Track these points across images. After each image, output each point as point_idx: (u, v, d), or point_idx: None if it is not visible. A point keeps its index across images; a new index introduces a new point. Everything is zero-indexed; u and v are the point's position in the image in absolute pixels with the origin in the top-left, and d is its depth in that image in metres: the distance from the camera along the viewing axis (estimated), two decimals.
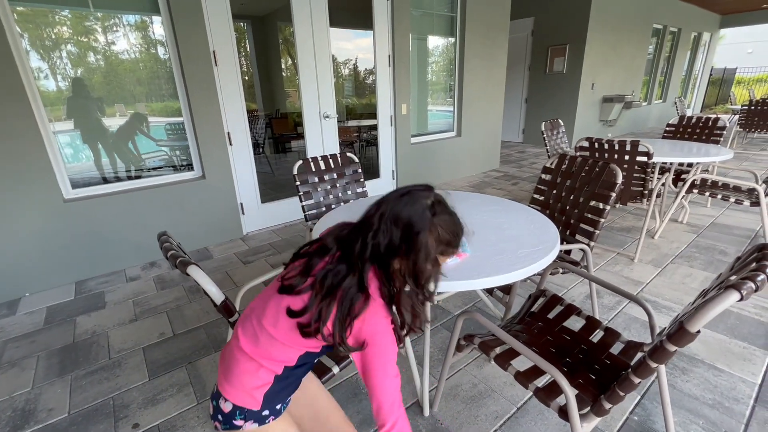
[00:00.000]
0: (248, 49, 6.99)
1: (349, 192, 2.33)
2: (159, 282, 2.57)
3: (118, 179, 2.76)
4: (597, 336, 1.30)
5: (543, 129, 3.50)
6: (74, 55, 2.49)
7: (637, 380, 0.89)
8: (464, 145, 5.00)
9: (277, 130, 6.08)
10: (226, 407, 0.84)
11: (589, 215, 1.82)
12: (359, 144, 5.19)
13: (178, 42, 2.65)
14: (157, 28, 2.68)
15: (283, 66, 7.19)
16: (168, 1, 2.56)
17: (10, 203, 2.30)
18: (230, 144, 3.07)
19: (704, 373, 1.64)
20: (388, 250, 0.78)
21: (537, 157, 6.28)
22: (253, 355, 0.83)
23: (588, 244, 1.76)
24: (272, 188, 4.23)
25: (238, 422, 0.84)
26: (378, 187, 4.20)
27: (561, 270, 1.69)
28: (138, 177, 2.82)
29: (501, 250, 1.28)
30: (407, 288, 0.82)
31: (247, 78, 7.13)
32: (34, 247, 2.43)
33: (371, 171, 4.28)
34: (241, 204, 3.26)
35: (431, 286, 0.84)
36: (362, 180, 2.37)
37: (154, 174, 2.89)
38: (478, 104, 4.98)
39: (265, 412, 0.86)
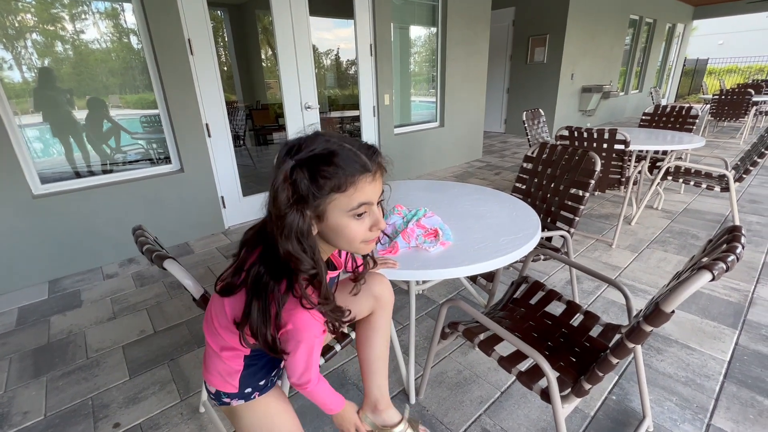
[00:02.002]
0: (226, 39, 6.79)
1: None
2: (138, 279, 2.50)
3: (91, 173, 2.65)
4: (577, 320, 1.34)
5: (524, 119, 3.53)
6: (40, 45, 2.36)
7: (615, 360, 0.91)
8: (447, 136, 5.01)
9: (258, 122, 5.96)
10: (212, 390, 0.90)
11: (570, 202, 1.85)
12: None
13: (150, 30, 2.55)
14: (129, 16, 2.56)
15: (262, 56, 7.02)
16: None
17: None
18: (209, 136, 2.99)
19: (677, 353, 1.70)
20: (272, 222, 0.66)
21: (519, 147, 6.35)
22: (216, 348, 0.85)
23: (568, 231, 1.79)
24: (254, 181, 4.16)
25: (226, 400, 0.89)
26: None
27: (542, 256, 1.72)
28: (113, 171, 2.73)
29: (484, 238, 1.30)
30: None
31: (225, 69, 6.94)
32: (2, 246, 2.32)
33: None
34: (222, 197, 3.19)
35: (303, 264, 0.65)
36: None
37: (130, 168, 2.79)
38: (460, 94, 4.99)
39: (248, 390, 0.89)
